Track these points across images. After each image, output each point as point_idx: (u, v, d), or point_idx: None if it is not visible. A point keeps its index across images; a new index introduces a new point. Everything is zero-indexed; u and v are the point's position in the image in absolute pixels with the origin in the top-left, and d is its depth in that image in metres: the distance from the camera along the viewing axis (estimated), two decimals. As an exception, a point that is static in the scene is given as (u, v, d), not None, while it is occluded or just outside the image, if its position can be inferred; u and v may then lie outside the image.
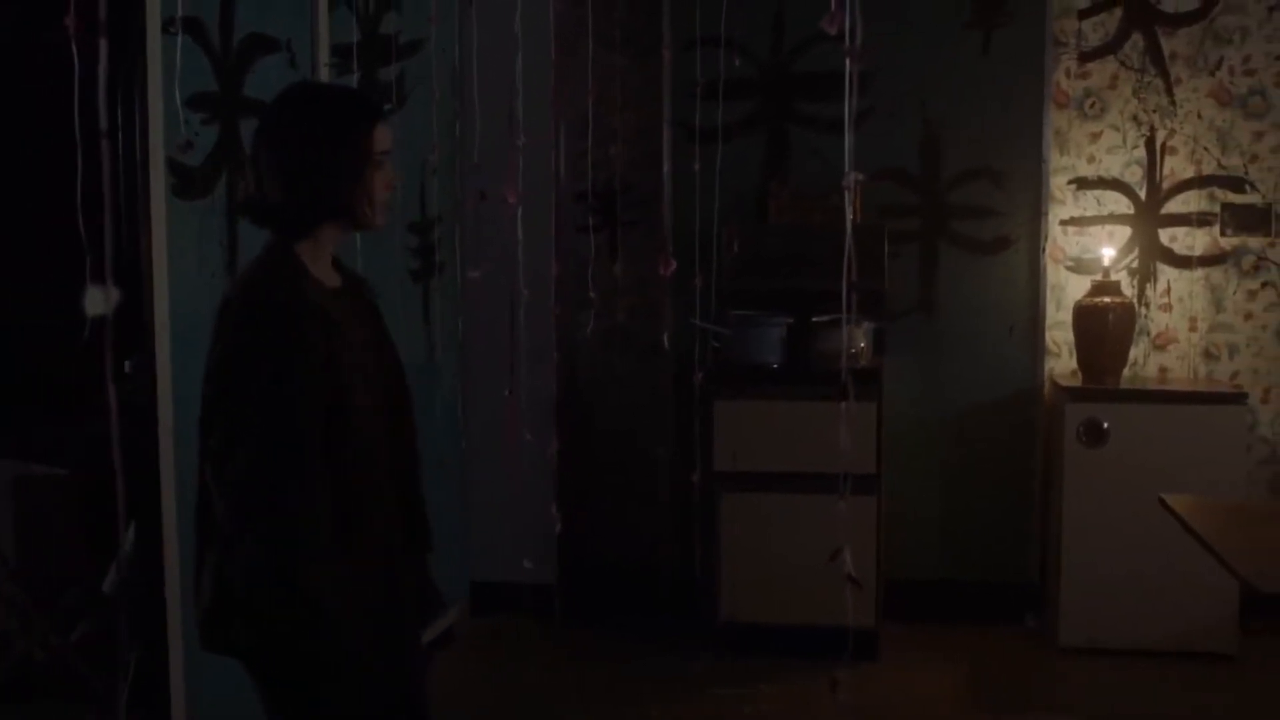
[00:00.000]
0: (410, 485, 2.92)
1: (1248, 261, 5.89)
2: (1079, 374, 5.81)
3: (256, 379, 2.56)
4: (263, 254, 2.72)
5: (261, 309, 2.60)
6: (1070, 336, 5.88)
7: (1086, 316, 5.72)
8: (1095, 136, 6.01)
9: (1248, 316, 5.94)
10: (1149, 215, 5.97)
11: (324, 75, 4.50)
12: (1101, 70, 5.99)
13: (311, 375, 2.57)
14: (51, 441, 5.11)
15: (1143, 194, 5.98)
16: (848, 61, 2.33)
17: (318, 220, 2.72)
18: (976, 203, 6.00)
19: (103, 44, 2.74)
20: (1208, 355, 5.97)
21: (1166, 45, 5.92)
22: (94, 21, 3.01)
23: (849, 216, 2.78)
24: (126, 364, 3.71)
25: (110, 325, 3.09)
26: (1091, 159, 6.02)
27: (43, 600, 4.87)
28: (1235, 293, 5.94)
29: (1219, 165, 5.92)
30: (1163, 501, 3.92)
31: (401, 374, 2.91)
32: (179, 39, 3.66)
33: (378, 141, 2.71)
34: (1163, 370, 6.00)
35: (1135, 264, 5.99)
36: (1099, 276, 5.76)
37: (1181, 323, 5.99)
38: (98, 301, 3.28)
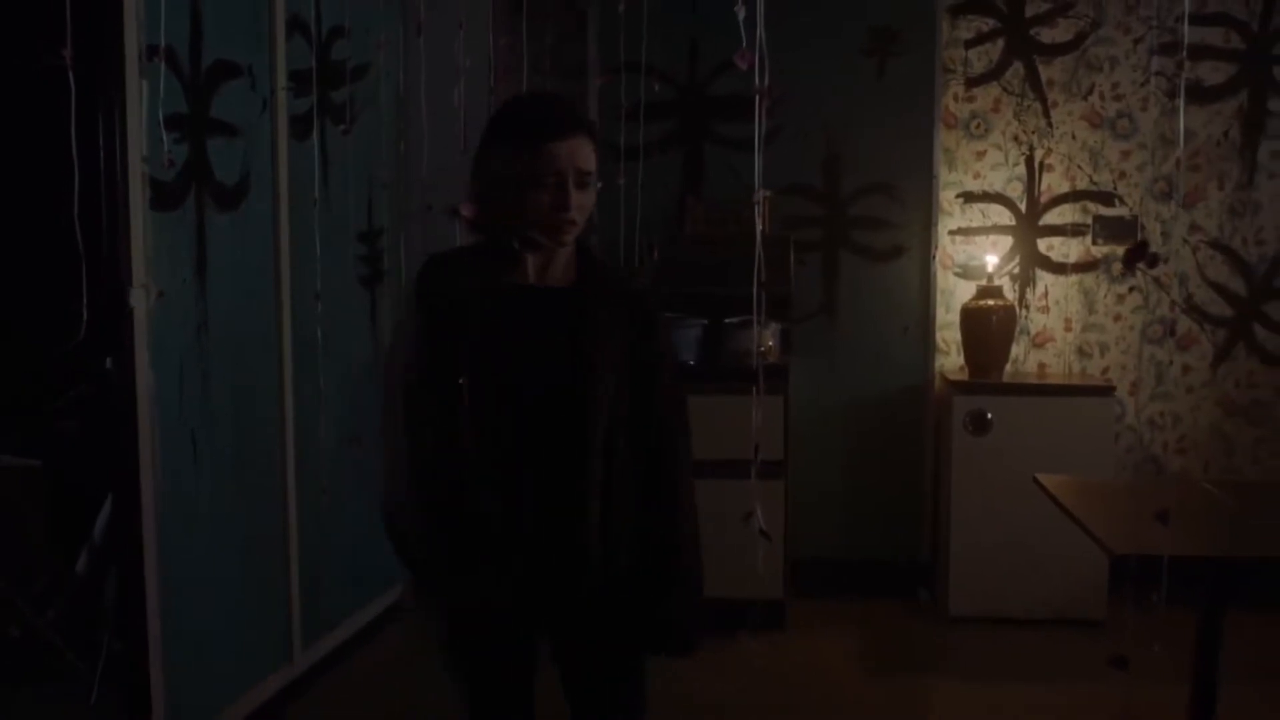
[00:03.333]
0: (555, 492, 2.60)
1: (1117, 268, 6.10)
2: (966, 369, 5.97)
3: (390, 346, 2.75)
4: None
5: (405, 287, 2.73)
6: (958, 336, 6.04)
7: (972, 318, 5.88)
8: (980, 155, 6.19)
9: (1117, 318, 6.17)
10: (1028, 226, 6.17)
11: (282, 98, 4.59)
12: (986, 95, 6.17)
13: (415, 348, 2.61)
14: (26, 434, 5.16)
15: (1023, 207, 6.18)
16: (758, 99, 2.56)
17: (488, 226, 2.64)
18: (873, 215, 6.16)
19: (144, 85, 2.84)
20: (1081, 353, 6.19)
21: (1044, 73, 6.12)
22: (85, 50, 3.16)
23: (758, 228, 2.99)
24: (108, 361, 3.78)
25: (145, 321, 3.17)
26: (977, 175, 6.19)
27: (18, 583, 4.96)
28: (1106, 296, 6.16)
29: (1091, 181, 6.13)
30: (1036, 480, 4.06)
31: (570, 384, 2.58)
32: (160, 66, 3.78)
33: (543, 161, 2.51)
34: (1041, 366, 6.21)
35: (1016, 270, 6.18)
36: (984, 282, 5.93)
37: (1058, 323, 6.20)
38: (139, 297, 3.44)
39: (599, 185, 2.64)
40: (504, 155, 2.56)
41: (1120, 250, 6.03)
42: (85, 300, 3.14)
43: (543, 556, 2.62)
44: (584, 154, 2.56)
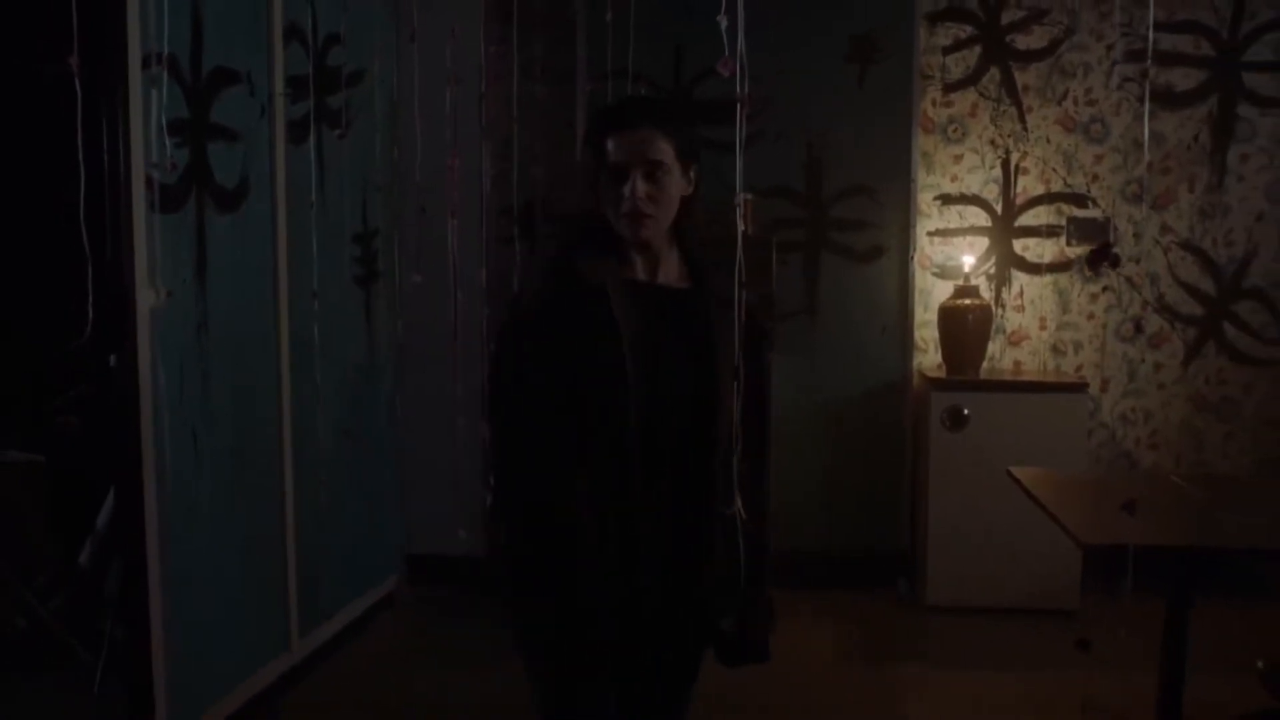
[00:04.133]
0: (684, 493, 2.60)
1: (1088, 269, 6.17)
2: (943, 367, 6.06)
3: (495, 361, 2.66)
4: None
5: (516, 300, 2.66)
6: (936, 334, 6.12)
7: (950, 317, 5.96)
8: (958, 158, 6.27)
9: (1090, 316, 6.26)
10: (1004, 227, 6.25)
11: (280, 104, 4.64)
12: (963, 100, 6.25)
13: (532, 365, 2.53)
14: (30, 430, 5.20)
15: (999, 209, 6.26)
16: (739, 106, 2.63)
17: (593, 223, 2.62)
18: (854, 216, 6.21)
19: (154, 94, 2.89)
20: (1055, 350, 6.27)
21: (1019, 78, 6.20)
22: (90, 58, 3.22)
23: (740, 229, 3.07)
24: (111, 359, 3.82)
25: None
26: (954, 178, 6.28)
27: (23, 576, 5.01)
28: (1079, 296, 6.24)
29: (1065, 184, 6.21)
30: (1010, 473, 4.11)
31: (696, 390, 2.59)
32: (163, 73, 3.84)
33: (608, 153, 2.54)
34: (1016, 363, 6.29)
35: (992, 270, 6.26)
36: (961, 281, 6.02)
37: (1032, 322, 6.28)
38: (149, 297, 3.50)
39: (690, 187, 2.63)
40: (589, 150, 2.59)
41: (1115, 249, 6.09)
42: (91, 300, 3.18)
43: (672, 558, 2.58)
44: (652, 145, 2.54)
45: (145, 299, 3.79)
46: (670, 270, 2.65)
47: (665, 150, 2.54)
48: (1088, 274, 6.18)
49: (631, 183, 2.52)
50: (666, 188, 2.56)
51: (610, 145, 2.53)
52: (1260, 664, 3.33)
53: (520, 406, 2.57)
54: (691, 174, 2.63)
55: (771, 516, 2.76)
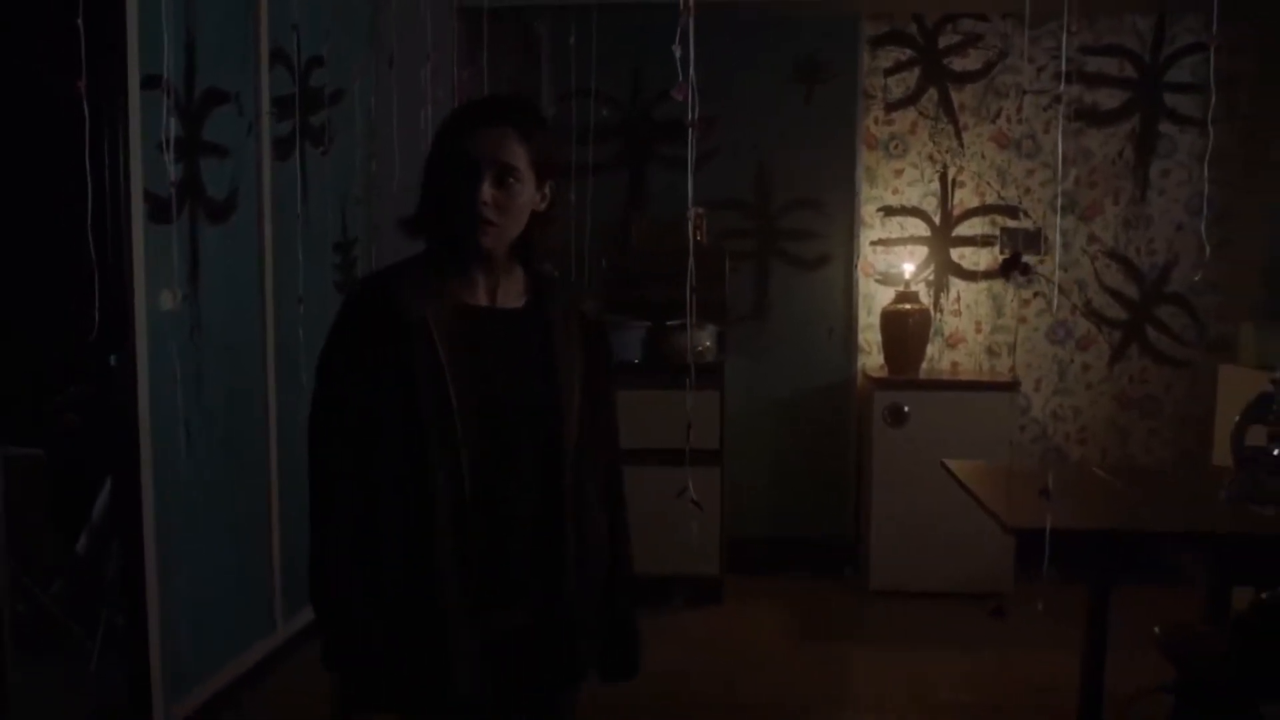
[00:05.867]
0: (533, 522, 2.32)
1: (1016, 277, 6.34)
2: (885, 367, 6.24)
3: (318, 376, 2.35)
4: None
5: (339, 314, 2.34)
6: (878, 337, 6.31)
7: (891, 320, 6.15)
8: (899, 172, 6.47)
9: (1022, 320, 6.47)
10: (942, 237, 6.46)
11: (266, 122, 4.79)
12: (903, 118, 6.46)
13: (353, 383, 2.25)
14: (32, 427, 5.29)
15: (937, 220, 6.47)
16: (690, 130, 2.84)
17: (426, 232, 2.33)
18: (801, 227, 6.44)
19: (153, 113, 2.95)
20: (990, 352, 6.49)
21: (956, 98, 6.43)
22: (94, 80, 3.34)
23: (691, 240, 3.25)
24: (112, 358, 3.95)
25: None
26: (895, 191, 6.48)
27: (23, 565, 5.11)
28: (1012, 301, 6.44)
29: (999, 196, 6.43)
30: (943, 464, 4.30)
31: (540, 410, 2.32)
32: (163, 95, 4.01)
33: (458, 153, 2.22)
34: (954, 364, 6.50)
35: (931, 277, 6.47)
36: (902, 288, 6.20)
37: (969, 326, 6.49)
38: (166, 300, 3.65)
39: (543, 203, 2.33)
40: (435, 149, 2.29)
41: (1024, 258, 6.28)
42: (97, 304, 3.29)
43: (530, 594, 2.34)
44: (506, 148, 2.22)
45: (163, 301, 3.97)
46: (511, 289, 2.36)
47: (520, 155, 2.23)
48: (1004, 281, 6.37)
49: (478, 185, 2.21)
50: (516, 195, 2.25)
51: (459, 143, 2.23)
52: (1156, 630, 3.52)
53: (339, 453, 2.27)
54: (547, 189, 2.33)
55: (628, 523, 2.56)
